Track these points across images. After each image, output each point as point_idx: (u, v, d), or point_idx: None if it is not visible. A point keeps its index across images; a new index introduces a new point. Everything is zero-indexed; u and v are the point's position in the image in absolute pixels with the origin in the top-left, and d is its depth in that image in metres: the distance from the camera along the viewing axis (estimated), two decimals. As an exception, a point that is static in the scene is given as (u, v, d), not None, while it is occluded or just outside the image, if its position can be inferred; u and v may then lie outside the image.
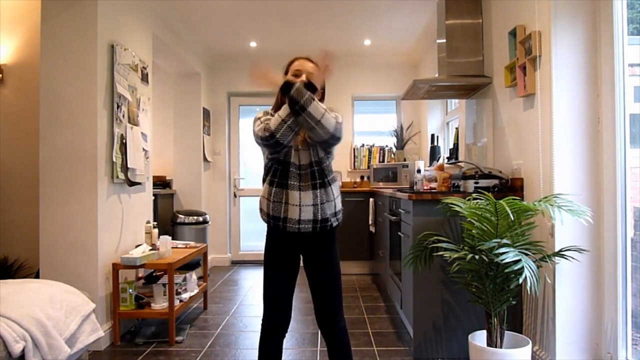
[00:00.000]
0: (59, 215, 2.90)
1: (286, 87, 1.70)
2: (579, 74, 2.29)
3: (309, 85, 1.71)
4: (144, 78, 3.54)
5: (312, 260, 1.88)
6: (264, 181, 1.88)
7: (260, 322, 1.88)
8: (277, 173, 1.81)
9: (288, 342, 3.00)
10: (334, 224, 1.87)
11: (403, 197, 2.94)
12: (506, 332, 2.24)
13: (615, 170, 2.19)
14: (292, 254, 1.87)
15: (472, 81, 3.20)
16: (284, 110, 1.73)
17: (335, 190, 1.87)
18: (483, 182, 2.74)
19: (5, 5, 3.74)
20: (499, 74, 2.99)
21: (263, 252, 1.92)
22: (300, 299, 4.05)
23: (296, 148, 1.82)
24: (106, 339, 2.93)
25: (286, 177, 1.79)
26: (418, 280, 2.65)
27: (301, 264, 1.91)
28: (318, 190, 1.79)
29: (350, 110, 5.83)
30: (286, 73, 1.88)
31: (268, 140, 1.71)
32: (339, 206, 1.89)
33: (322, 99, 1.90)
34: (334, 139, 1.74)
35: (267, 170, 1.86)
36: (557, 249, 2.19)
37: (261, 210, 1.87)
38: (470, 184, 2.76)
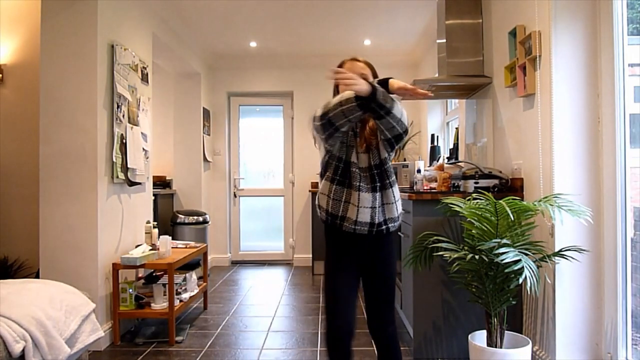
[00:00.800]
0: (59, 215, 2.90)
1: (373, 92, 1.56)
2: (579, 74, 2.29)
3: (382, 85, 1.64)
4: (144, 78, 3.54)
5: (367, 263, 1.83)
6: (322, 177, 1.82)
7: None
8: (337, 171, 1.76)
9: (288, 342, 3.00)
10: (391, 229, 1.81)
11: (403, 197, 2.94)
12: (506, 332, 2.24)
13: (615, 170, 2.19)
14: (351, 253, 1.81)
15: (472, 81, 3.20)
16: (346, 99, 1.59)
17: (396, 193, 1.81)
18: (483, 182, 2.74)
19: (5, 5, 3.74)
20: (499, 74, 2.99)
21: (325, 252, 1.85)
22: (300, 299, 4.05)
23: (357, 150, 1.77)
24: (106, 339, 2.93)
25: (347, 176, 1.75)
26: (418, 280, 2.65)
27: None
28: (378, 193, 1.75)
29: (350, 110, 5.81)
30: (336, 84, 1.79)
31: (321, 120, 1.64)
32: (400, 209, 1.84)
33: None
34: (406, 132, 1.70)
35: (326, 166, 1.80)
36: (557, 249, 2.19)
37: (319, 207, 1.81)
38: (470, 184, 2.76)
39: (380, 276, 1.83)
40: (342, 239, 1.79)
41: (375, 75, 1.84)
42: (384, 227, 1.77)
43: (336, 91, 1.80)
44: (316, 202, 1.83)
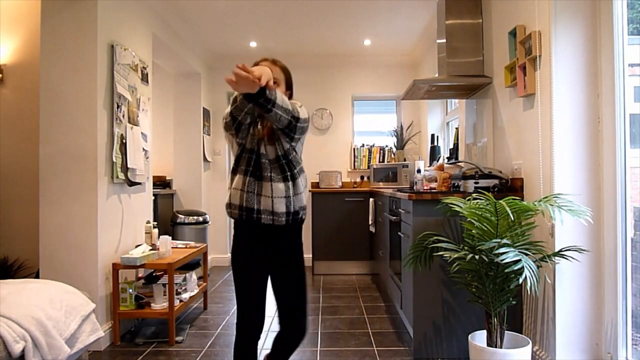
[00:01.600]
0: (59, 215, 2.90)
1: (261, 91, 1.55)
2: (579, 74, 2.29)
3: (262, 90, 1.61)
4: (144, 78, 3.54)
5: (281, 255, 1.85)
6: (234, 172, 1.82)
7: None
8: (250, 162, 1.78)
9: (288, 342, 3.00)
10: (304, 217, 1.88)
11: (403, 197, 2.94)
12: (506, 332, 2.24)
13: (615, 170, 2.19)
14: (264, 249, 1.82)
15: (472, 81, 3.20)
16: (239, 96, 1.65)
17: (302, 183, 1.87)
18: (483, 182, 2.74)
19: (5, 5, 3.74)
20: (499, 74, 2.99)
21: (233, 253, 1.84)
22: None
23: (264, 142, 1.80)
24: (106, 339, 2.93)
25: (259, 168, 1.77)
26: (418, 280, 2.65)
27: None
28: (290, 182, 1.80)
29: (350, 110, 5.83)
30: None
31: (228, 117, 1.71)
32: (304, 201, 1.89)
33: (291, 95, 1.93)
34: (297, 120, 1.72)
35: (239, 160, 1.81)
36: (557, 249, 2.19)
37: (231, 205, 1.80)
38: (470, 184, 2.76)
39: (297, 266, 1.88)
40: (258, 234, 1.80)
41: (288, 82, 1.90)
42: (299, 215, 1.84)
43: None
44: (226, 202, 1.83)
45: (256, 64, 1.81)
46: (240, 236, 1.83)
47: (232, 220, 1.86)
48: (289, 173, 1.81)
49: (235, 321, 1.85)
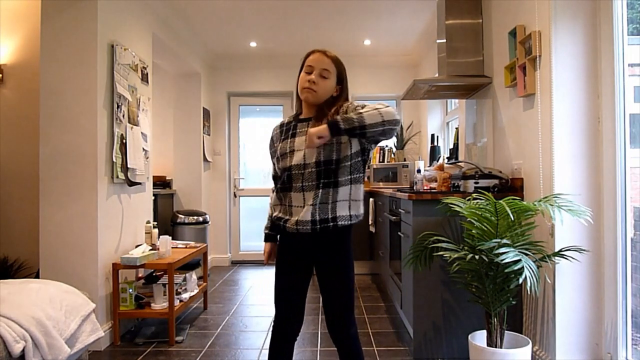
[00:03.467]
0: (59, 215, 2.90)
1: (334, 128, 1.56)
2: (579, 74, 2.29)
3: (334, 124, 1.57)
4: (144, 78, 3.54)
5: (318, 263, 1.78)
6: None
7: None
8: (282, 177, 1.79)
9: (288, 342, 3.00)
10: (340, 224, 1.69)
11: (403, 197, 2.94)
12: (506, 332, 2.24)
13: (615, 170, 2.19)
14: (298, 255, 1.79)
15: (472, 81, 3.20)
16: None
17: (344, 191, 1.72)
18: (483, 182, 2.74)
19: (5, 5, 3.74)
20: (499, 74, 2.99)
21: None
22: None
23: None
24: (106, 339, 2.93)
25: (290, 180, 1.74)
26: (418, 280, 2.65)
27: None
28: (321, 190, 1.68)
29: (350, 110, 5.82)
30: (302, 68, 1.78)
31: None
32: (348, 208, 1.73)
33: (342, 90, 1.79)
34: (397, 123, 1.60)
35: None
36: (557, 249, 2.19)
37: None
38: (470, 184, 2.76)
39: (333, 273, 1.74)
40: (289, 240, 1.81)
41: (340, 73, 1.78)
42: (329, 224, 1.69)
43: (297, 99, 1.84)
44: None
45: (307, 56, 1.77)
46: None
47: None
48: (323, 180, 1.69)
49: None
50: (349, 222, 1.72)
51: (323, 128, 1.56)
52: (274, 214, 1.83)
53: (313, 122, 1.75)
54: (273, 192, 1.90)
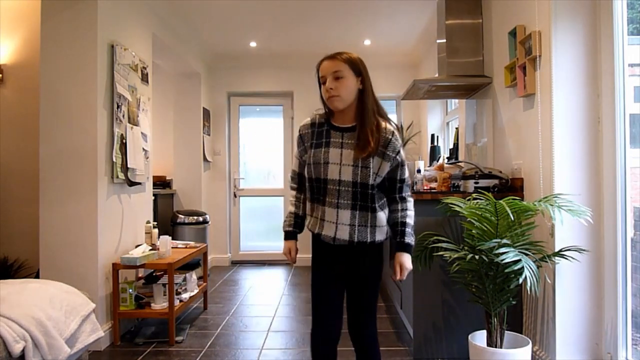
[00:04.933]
0: (59, 215, 2.90)
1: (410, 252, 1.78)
2: (579, 74, 2.29)
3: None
4: (144, 78, 3.54)
5: (352, 265, 1.79)
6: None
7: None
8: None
9: (288, 342, 3.00)
10: (377, 240, 1.77)
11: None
12: (506, 332, 2.24)
13: (615, 170, 2.19)
14: (335, 260, 1.80)
15: (472, 81, 3.20)
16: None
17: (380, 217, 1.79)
18: (483, 182, 2.74)
19: (5, 5, 3.74)
20: (499, 74, 2.99)
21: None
22: (300, 299, 4.05)
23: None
24: (106, 339, 2.93)
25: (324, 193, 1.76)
26: (418, 280, 2.65)
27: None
28: (358, 212, 1.73)
29: (350, 110, 5.82)
30: (318, 80, 1.79)
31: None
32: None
33: (364, 81, 1.76)
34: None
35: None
36: (557, 249, 2.19)
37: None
38: (470, 184, 2.76)
39: (363, 280, 1.80)
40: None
41: (354, 66, 1.74)
42: (365, 239, 1.81)
43: (319, 86, 1.80)
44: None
45: (318, 68, 1.77)
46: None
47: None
48: (360, 202, 1.77)
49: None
50: (385, 238, 1.81)
51: (409, 262, 1.76)
52: (309, 227, 1.84)
53: (352, 134, 1.74)
54: (293, 189, 1.90)
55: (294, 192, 1.91)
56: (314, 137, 1.79)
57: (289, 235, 1.89)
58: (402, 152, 1.78)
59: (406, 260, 1.75)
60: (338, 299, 1.80)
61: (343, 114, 1.78)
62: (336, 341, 1.80)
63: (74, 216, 2.90)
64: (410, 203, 1.81)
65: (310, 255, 1.88)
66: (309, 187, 1.80)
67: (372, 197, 1.73)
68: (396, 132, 1.79)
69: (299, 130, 1.85)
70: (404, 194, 1.79)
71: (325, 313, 1.78)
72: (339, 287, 1.80)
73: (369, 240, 1.74)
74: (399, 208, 1.79)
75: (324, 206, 1.74)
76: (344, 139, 1.75)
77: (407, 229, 1.76)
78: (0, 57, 3.76)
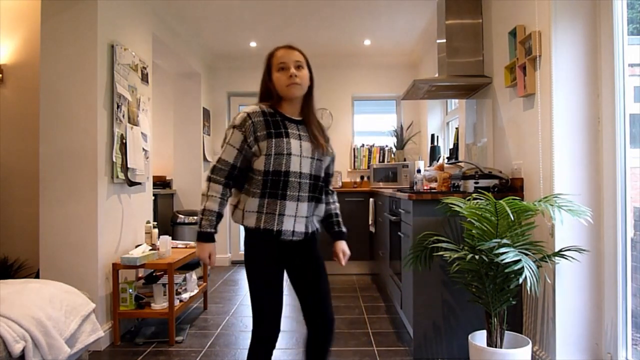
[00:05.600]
0: (59, 215, 2.90)
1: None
2: (579, 74, 2.29)
3: None
4: (144, 78, 3.54)
5: (300, 262, 1.80)
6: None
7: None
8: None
9: (288, 342, 3.00)
10: (317, 232, 1.85)
11: (403, 197, 2.94)
12: (506, 332, 2.24)
13: (615, 170, 2.19)
14: (279, 260, 1.78)
15: (472, 81, 3.20)
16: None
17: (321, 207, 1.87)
18: (483, 182, 2.74)
19: (5, 5, 3.74)
20: (499, 74, 2.99)
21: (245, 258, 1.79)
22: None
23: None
24: (106, 339, 2.93)
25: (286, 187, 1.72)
26: (418, 280, 2.65)
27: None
28: (313, 203, 1.77)
29: (350, 110, 5.83)
30: (269, 67, 1.82)
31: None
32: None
33: (310, 93, 1.81)
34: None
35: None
36: (557, 249, 2.19)
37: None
38: (470, 184, 2.76)
39: (320, 267, 1.84)
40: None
41: (309, 66, 1.86)
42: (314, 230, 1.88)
43: (267, 73, 1.84)
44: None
45: (272, 55, 1.86)
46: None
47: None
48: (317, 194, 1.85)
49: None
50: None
51: (348, 249, 1.91)
52: (257, 224, 1.72)
53: (303, 126, 1.77)
54: (218, 183, 1.69)
55: (218, 187, 1.69)
56: (271, 126, 1.68)
57: (210, 238, 1.71)
58: None
59: (346, 247, 1.91)
60: (282, 296, 1.78)
61: (292, 106, 1.77)
62: (275, 341, 1.77)
63: (74, 216, 2.90)
64: (336, 195, 1.99)
65: (244, 253, 1.79)
66: (261, 180, 1.66)
67: (321, 189, 1.81)
68: None
69: (248, 118, 1.67)
70: (331, 187, 1.95)
71: (277, 312, 1.74)
72: (282, 283, 1.78)
73: (317, 229, 1.83)
74: (331, 200, 1.94)
75: (283, 200, 1.67)
76: (300, 130, 1.74)
77: (340, 219, 1.94)
78: (0, 57, 3.76)
